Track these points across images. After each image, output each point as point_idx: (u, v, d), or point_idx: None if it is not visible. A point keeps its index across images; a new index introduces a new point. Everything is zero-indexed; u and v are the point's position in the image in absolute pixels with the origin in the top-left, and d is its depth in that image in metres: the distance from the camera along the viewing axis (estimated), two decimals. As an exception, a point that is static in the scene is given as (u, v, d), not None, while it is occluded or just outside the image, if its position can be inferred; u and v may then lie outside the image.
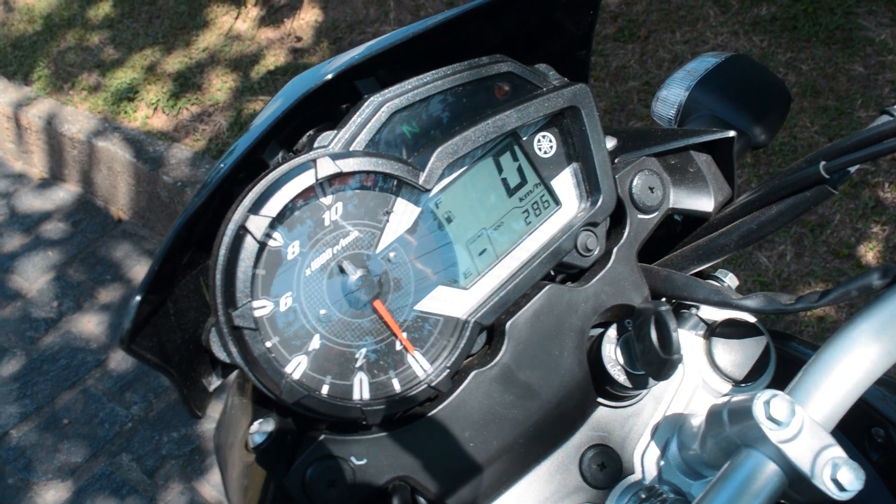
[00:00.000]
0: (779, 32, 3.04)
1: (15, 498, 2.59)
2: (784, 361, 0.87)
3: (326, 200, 0.68)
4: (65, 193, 3.70)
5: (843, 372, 0.65)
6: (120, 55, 3.90)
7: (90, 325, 3.08)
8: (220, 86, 3.60)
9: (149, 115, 3.59)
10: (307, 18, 3.73)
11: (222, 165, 0.65)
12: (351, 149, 0.68)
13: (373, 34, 3.53)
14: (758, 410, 0.61)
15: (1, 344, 3.04)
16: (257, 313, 0.65)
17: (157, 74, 3.74)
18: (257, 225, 0.63)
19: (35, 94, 3.83)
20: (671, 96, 1.00)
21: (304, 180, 0.65)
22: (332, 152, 0.67)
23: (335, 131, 0.69)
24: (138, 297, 0.60)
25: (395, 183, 0.71)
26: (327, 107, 0.74)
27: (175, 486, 2.56)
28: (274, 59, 3.63)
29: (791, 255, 2.52)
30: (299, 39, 3.68)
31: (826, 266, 2.46)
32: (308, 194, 0.67)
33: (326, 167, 0.65)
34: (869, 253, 2.47)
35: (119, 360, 2.94)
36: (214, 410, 2.68)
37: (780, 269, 2.49)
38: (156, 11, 4.04)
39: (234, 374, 0.82)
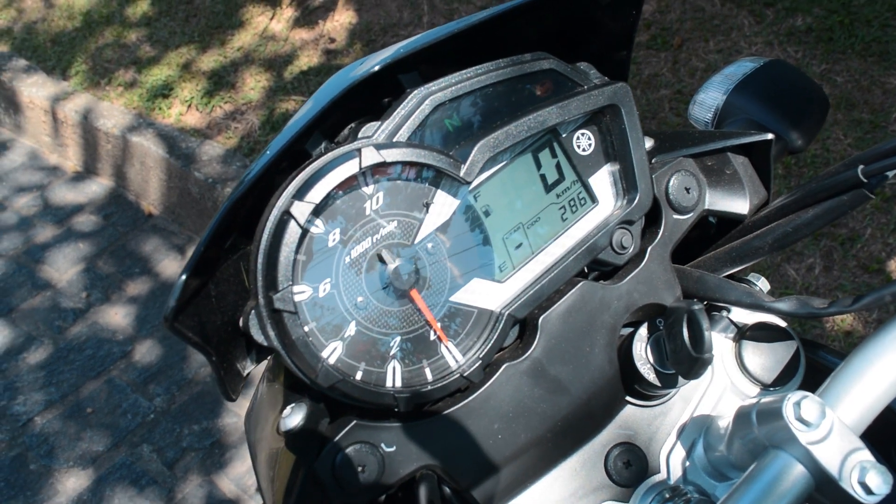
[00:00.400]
0: (814, 44, 3.02)
1: (36, 484, 2.63)
2: (812, 369, 0.87)
3: (368, 190, 0.69)
4: (97, 187, 3.76)
5: (875, 377, 0.64)
6: (156, 53, 3.96)
7: (117, 316, 3.13)
8: (253, 85, 3.64)
9: (182, 112, 3.64)
10: (341, 20, 3.76)
11: (268, 152, 0.67)
12: (395, 140, 0.69)
13: (406, 37, 3.55)
14: (788, 411, 0.61)
15: (30, 332, 3.10)
16: (297, 298, 0.66)
17: (191, 72, 3.79)
18: (301, 211, 0.64)
19: (72, 89, 3.90)
20: (708, 99, 1.00)
21: (349, 169, 0.66)
22: (377, 142, 0.68)
23: (379, 122, 0.70)
24: (184, 277, 0.61)
25: (435, 175, 0.72)
26: (368, 101, 0.75)
27: (194, 479, 2.58)
28: (307, 60, 3.66)
29: (820, 269, 2.50)
30: (332, 41, 3.71)
31: (855, 280, 2.44)
32: (351, 183, 0.68)
33: (371, 156, 0.66)
34: (900, 268, 2.44)
35: (144, 353, 2.98)
36: (239, 406, 2.70)
37: (809, 282, 2.47)
38: (192, 10, 4.10)
39: (266, 361, 0.83)
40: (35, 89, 3.92)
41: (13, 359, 3.02)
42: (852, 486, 0.59)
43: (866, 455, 0.60)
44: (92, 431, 2.77)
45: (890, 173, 0.77)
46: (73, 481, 2.63)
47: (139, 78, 3.85)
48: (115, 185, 3.75)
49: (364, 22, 3.71)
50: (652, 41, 3.22)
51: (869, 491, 0.58)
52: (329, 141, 0.75)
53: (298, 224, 0.64)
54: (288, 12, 3.89)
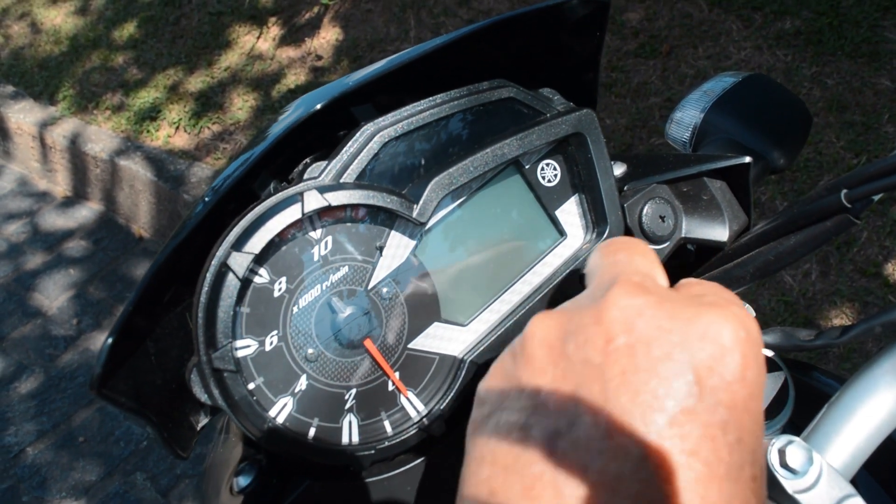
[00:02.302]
0: (803, 46, 2.98)
1: (30, 517, 2.59)
2: (805, 393, 0.83)
3: (316, 234, 0.65)
4: (87, 211, 3.73)
5: (866, 415, 0.61)
6: (143, 75, 3.93)
7: (109, 343, 3.08)
8: (241, 104, 3.61)
9: (171, 133, 3.60)
10: (327, 37, 3.73)
11: (206, 199, 0.63)
12: (342, 180, 0.65)
13: (393, 52, 3.52)
14: (773, 458, 0.57)
15: (20, 361, 3.05)
16: (241, 353, 0.62)
17: (179, 94, 3.76)
18: (239, 262, 0.60)
19: (60, 114, 3.87)
20: (686, 118, 0.96)
21: (290, 215, 0.62)
22: (321, 184, 0.64)
23: (326, 162, 0.65)
24: (110, 341, 0.57)
25: (388, 216, 0.68)
26: (326, 133, 0.71)
27: (190, 508, 2.54)
28: (294, 78, 3.63)
29: (816, 274, 2.45)
30: (320, 58, 3.68)
31: (853, 285, 2.40)
32: (296, 228, 0.64)
33: (314, 201, 0.62)
34: (897, 272, 2.40)
35: (137, 380, 2.93)
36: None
37: (805, 289, 2.43)
38: (179, 31, 4.07)
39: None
40: (23, 115, 3.89)
41: (4, 389, 2.97)
42: (842, 537, 0.55)
43: (859, 502, 0.56)
44: (84, 461, 2.72)
45: (875, 197, 0.73)
46: (66, 513, 2.59)
47: (126, 101, 3.82)
48: (104, 210, 3.71)
49: (351, 38, 3.68)
50: (640, 49, 3.19)
51: (861, 540, 0.54)
52: (281, 180, 0.71)
53: (237, 276, 0.60)
54: (274, 30, 3.86)
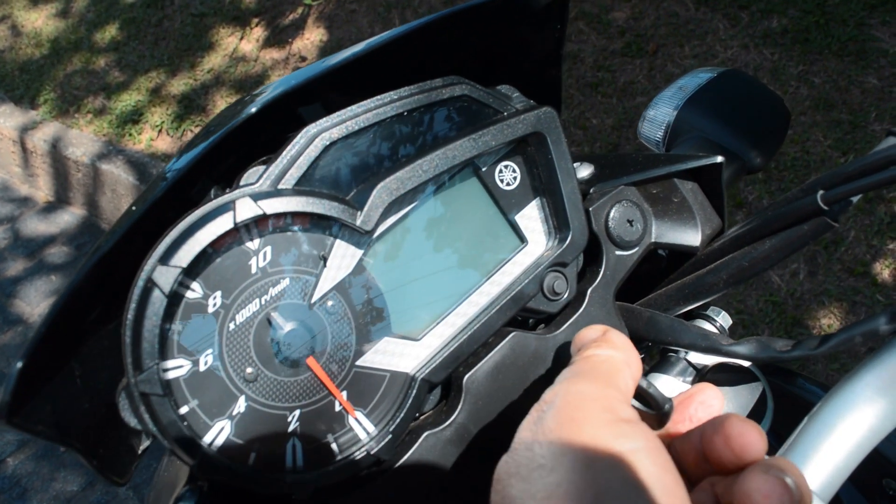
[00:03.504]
0: (790, 45, 2.94)
1: (8, 529, 2.55)
2: (789, 402, 0.79)
3: (252, 245, 0.60)
4: (69, 217, 3.67)
5: (844, 433, 0.57)
6: (125, 78, 3.88)
7: (90, 351, 3.03)
8: (223, 106, 3.56)
9: (153, 137, 3.56)
10: (311, 38, 3.69)
11: (133, 208, 0.58)
12: (280, 186, 0.60)
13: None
14: None
15: (1, 369, 3.00)
16: (171, 374, 0.57)
17: (161, 97, 3.71)
18: (166, 277, 0.55)
19: (41, 118, 3.82)
20: (659, 116, 0.92)
21: (222, 224, 0.57)
22: (255, 191, 0.59)
23: (264, 167, 0.60)
24: (19, 364, 0.51)
25: (332, 224, 0.63)
26: (276, 135, 0.67)
27: (171, 519, 2.49)
28: (278, 79, 3.58)
29: (804, 274, 2.42)
30: (304, 59, 3.63)
31: (840, 284, 2.36)
32: (231, 238, 0.59)
33: (247, 209, 0.57)
34: (885, 271, 2.36)
35: (118, 387, 2.89)
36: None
37: (793, 288, 2.39)
38: (161, 33, 4.02)
39: None
40: (3, 119, 3.84)
41: (-17, 399, 2.93)
42: (821, 564, 0.51)
43: (837, 529, 0.52)
44: (66, 471, 2.67)
45: (854, 199, 0.69)
46: (46, 524, 2.54)
47: (108, 104, 3.76)
48: (87, 214, 3.66)
49: (335, 38, 3.64)
50: (627, 48, 3.15)
51: (838, 568, 0.51)
52: (223, 185, 0.66)
53: (163, 292, 0.55)
54: (258, 31, 3.81)
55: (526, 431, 0.48)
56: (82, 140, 3.62)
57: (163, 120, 3.58)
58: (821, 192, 0.67)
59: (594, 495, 0.42)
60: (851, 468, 0.57)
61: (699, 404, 0.57)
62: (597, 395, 0.49)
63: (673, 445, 0.55)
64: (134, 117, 3.63)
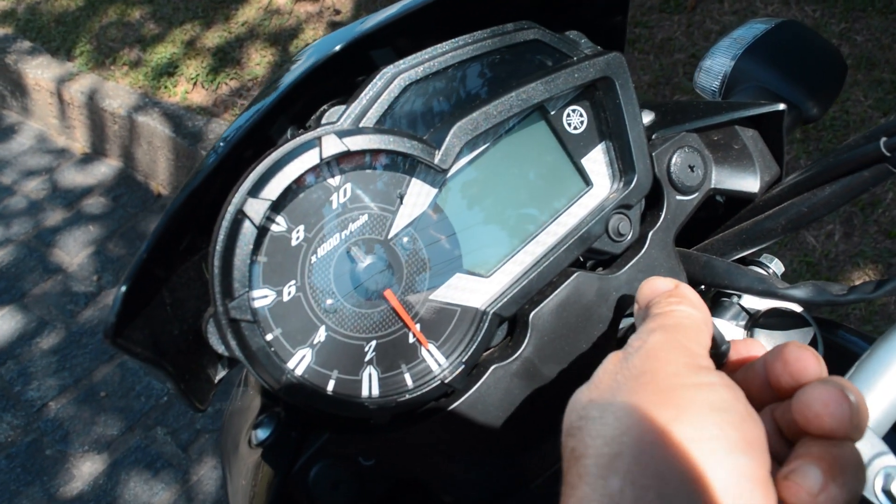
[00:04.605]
0: (833, 2, 2.89)
1: (52, 469, 2.63)
2: (832, 352, 0.81)
3: (334, 181, 0.62)
4: (106, 168, 3.72)
5: (902, 371, 0.59)
6: (160, 30, 3.90)
7: (129, 299, 3.10)
8: (258, 60, 3.57)
9: (188, 89, 3.58)
10: (345, -9, 3.67)
11: (221, 144, 0.61)
12: (361, 125, 0.62)
13: (411, 7, 3.45)
14: (875, 483, 0.56)
15: (42, 317, 3.08)
16: (257, 304, 0.60)
17: (196, 49, 3.72)
18: (256, 209, 0.58)
19: (77, 70, 3.85)
20: (715, 66, 0.93)
21: (308, 160, 0.59)
22: (340, 129, 0.61)
23: (345, 106, 0.63)
24: (123, 288, 0.55)
25: (409, 162, 0.65)
26: (342, 80, 0.69)
27: (209, 461, 2.56)
28: (312, 33, 3.58)
29: (840, 235, 2.41)
30: (338, 12, 3.63)
31: (876, 247, 2.35)
32: (314, 175, 0.61)
33: (332, 145, 0.59)
34: (922, 234, 2.35)
35: (157, 335, 2.95)
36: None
37: (828, 250, 2.39)
38: (195, -15, 4.02)
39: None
40: (40, 71, 3.87)
41: (26, 344, 3.00)
42: (876, 495, 0.53)
43: (891, 460, 0.54)
44: (106, 415, 2.75)
45: (917, 145, 0.70)
46: (88, 465, 2.62)
47: (144, 56, 3.79)
48: (123, 166, 3.71)
49: (369, -8, 3.62)
50: (665, 4, 3.11)
51: (893, 499, 0.53)
52: (297, 126, 0.69)
53: (253, 224, 0.58)
54: (292, -16, 3.80)
55: (610, 364, 0.51)
56: (118, 92, 3.65)
57: (198, 73, 3.60)
58: (884, 138, 0.68)
59: (672, 417, 0.44)
60: None
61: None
62: (681, 345, 0.51)
63: (734, 378, 0.57)
64: (169, 70, 3.66)
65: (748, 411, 0.47)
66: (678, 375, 0.47)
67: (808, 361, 0.50)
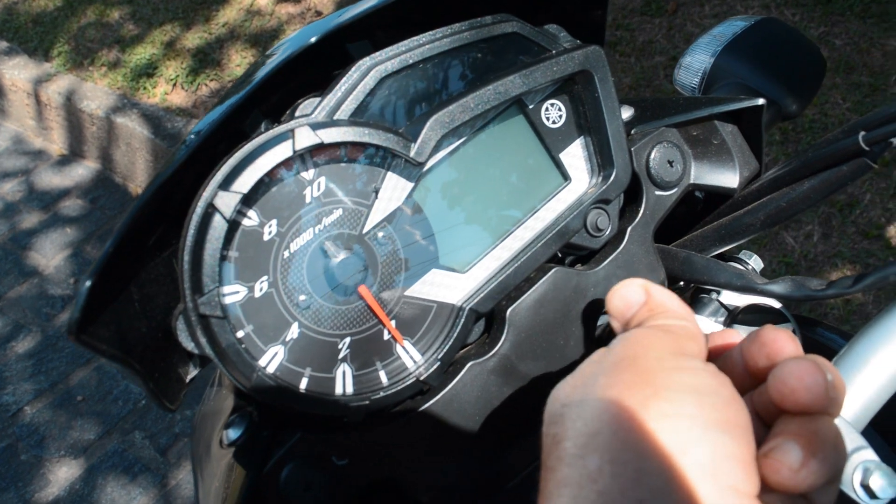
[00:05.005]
0: (812, 6, 2.92)
1: (28, 475, 2.59)
2: (810, 349, 0.80)
3: (308, 175, 0.61)
4: (84, 170, 3.68)
5: (878, 365, 0.59)
6: (139, 31, 3.86)
7: (106, 302, 3.06)
8: (239, 61, 3.55)
9: (168, 91, 3.55)
10: (326, -8, 3.66)
11: (192, 137, 0.59)
12: (335, 117, 0.61)
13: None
14: (854, 477, 0.55)
15: (17, 320, 3.04)
16: (228, 300, 0.59)
17: (176, 50, 3.69)
18: (226, 202, 0.56)
19: (55, 71, 3.81)
20: (695, 63, 0.93)
21: (281, 152, 0.58)
22: (314, 121, 0.60)
23: (319, 98, 0.62)
24: (88, 283, 0.53)
25: (384, 156, 0.64)
26: (322, 72, 0.68)
27: (187, 465, 2.54)
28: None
29: (818, 236, 2.42)
30: (319, 14, 3.61)
31: (854, 247, 2.37)
32: (287, 168, 0.60)
33: (305, 137, 0.58)
34: (900, 234, 2.37)
35: (135, 338, 2.92)
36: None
37: (807, 250, 2.40)
38: (175, -14, 3.99)
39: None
40: (17, 71, 3.83)
41: (1, 348, 2.95)
42: (854, 490, 0.53)
43: (870, 455, 0.54)
44: (83, 419, 2.72)
45: (894, 140, 0.70)
46: (64, 471, 2.58)
47: (123, 57, 3.75)
48: (101, 168, 3.67)
49: (350, -7, 3.61)
50: (646, 7, 3.12)
51: (872, 495, 0.52)
52: (273, 120, 0.67)
53: (224, 217, 0.56)
54: (272, -14, 3.78)
55: (595, 356, 0.50)
56: (97, 93, 3.61)
57: (177, 74, 3.57)
58: (862, 133, 0.68)
59: (650, 394, 0.44)
60: (883, 401, 0.59)
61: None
62: (670, 334, 0.50)
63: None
64: (148, 71, 3.62)
65: (733, 396, 0.46)
66: (661, 359, 0.47)
67: (783, 341, 0.49)
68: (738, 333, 0.57)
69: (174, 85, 3.56)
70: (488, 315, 0.71)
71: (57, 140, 3.82)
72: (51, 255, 3.28)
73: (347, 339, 0.65)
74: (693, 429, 0.42)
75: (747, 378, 0.52)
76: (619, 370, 0.46)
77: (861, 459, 0.53)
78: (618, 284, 0.55)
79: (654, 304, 0.53)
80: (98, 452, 2.61)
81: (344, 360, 0.65)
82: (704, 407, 0.43)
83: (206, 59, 3.60)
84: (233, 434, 0.64)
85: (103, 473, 2.56)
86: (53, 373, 2.85)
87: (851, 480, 0.53)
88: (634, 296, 0.54)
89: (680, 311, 0.53)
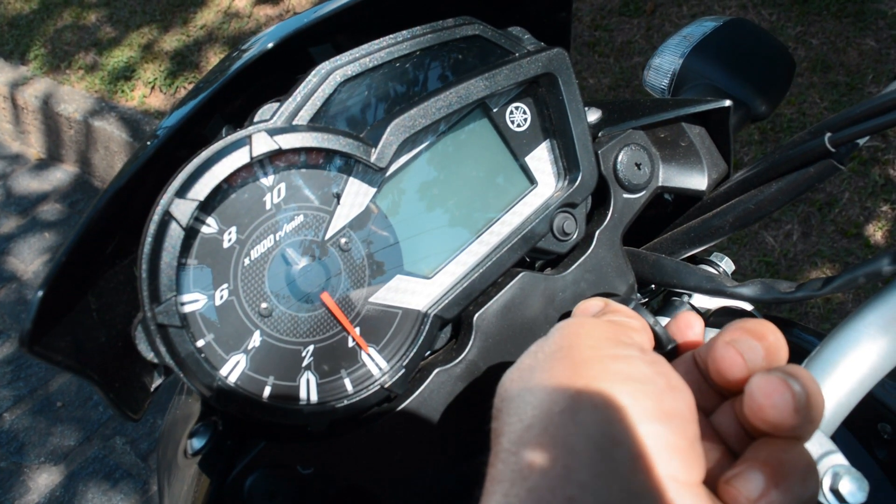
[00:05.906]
0: (789, 6, 2.93)
1: (7, 482, 2.56)
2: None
3: (267, 181, 0.60)
4: (62, 174, 3.65)
5: (847, 369, 0.58)
6: (117, 34, 3.83)
7: (85, 307, 3.03)
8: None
9: (146, 94, 3.52)
10: (306, -6, 3.65)
11: (148, 144, 0.58)
12: (294, 122, 0.60)
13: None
14: (824, 481, 0.55)
15: (-3, 328, 3.01)
16: (188, 308, 0.58)
17: (154, 53, 3.67)
18: (182, 210, 0.55)
19: (31, 74, 3.77)
20: (664, 64, 0.92)
21: (238, 159, 0.57)
22: (271, 127, 0.59)
23: (278, 103, 0.61)
24: (40, 293, 0.52)
25: (346, 161, 0.63)
26: (285, 76, 0.67)
27: (168, 472, 2.52)
28: (272, 36, 3.54)
29: (798, 235, 2.43)
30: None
31: (833, 246, 2.38)
32: (246, 174, 0.59)
33: (263, 143, 0.57)
34: (878, 232, 2.38)
35: (114, 344, 2.90)
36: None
37: (787, 249, 2.41)
38: (153, -12, 3.96)
39: None
40: (-7, 75, 3.79)
41: (-21, 355, 2.93)
42: (823, 495, 0.52)
43: (839, 459, 0.53)
44: (63, 426, 2.69)
45: (861, 141, 0.70)
46: (45, 477, 2.55)
47: (100, 60, 3.72)
48: (80, 172, 3.64)
49: (330, -5, 3.59)
50: (624, 7, 3.13)
51: (841, 499, 0.52)
52: (234, 125, 0.66)
53: (180, 225, 0.55)
54: (251, -13, 3.76)
55: (533, 346, 0.50)
56: (74, 96, 3.58)
57: (155, 77, 3.55)
58: (828, 134, 0.67)
59: (582, 386, 0.43)
60: (853, 404, 0.58)
61: (685, 328, 0.57)
62: (607, 323, 0.50)
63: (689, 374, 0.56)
64: (126, 74, 3.60)
65: (671, 385, 0.45)
66: (595, 348, 0.46)
67: (732, 360, 0.47)
68: (697, 318, 0.56)
69: (152, 88, 3.53)
70: (455, 321, 0.70)
71: (34, 144, 3.78)
72: (29, 259, 3.24)
73: (311, 347, 0.64)
74: (626, 420, 0.41)
75: (699, 373, 0.52)
76: (554, 361, 0.46)
77: (831, 464, 0.53)
78: (581, 302, 0.57)
79: (611, 307, 0.54)
80: (78, 458, 2.58)
81: (308, 368, 0.64)
82: (639, 397, 0.43)
83: (184, 61, 3.58)
84: (197, 443, 0.63)
85: (84, 480, 2.53)
86: (32, 379, 2.82)
87: (821, 485, 0.52)
88: (594, 306, 0.56)
89: (633, 313, 0.54)
